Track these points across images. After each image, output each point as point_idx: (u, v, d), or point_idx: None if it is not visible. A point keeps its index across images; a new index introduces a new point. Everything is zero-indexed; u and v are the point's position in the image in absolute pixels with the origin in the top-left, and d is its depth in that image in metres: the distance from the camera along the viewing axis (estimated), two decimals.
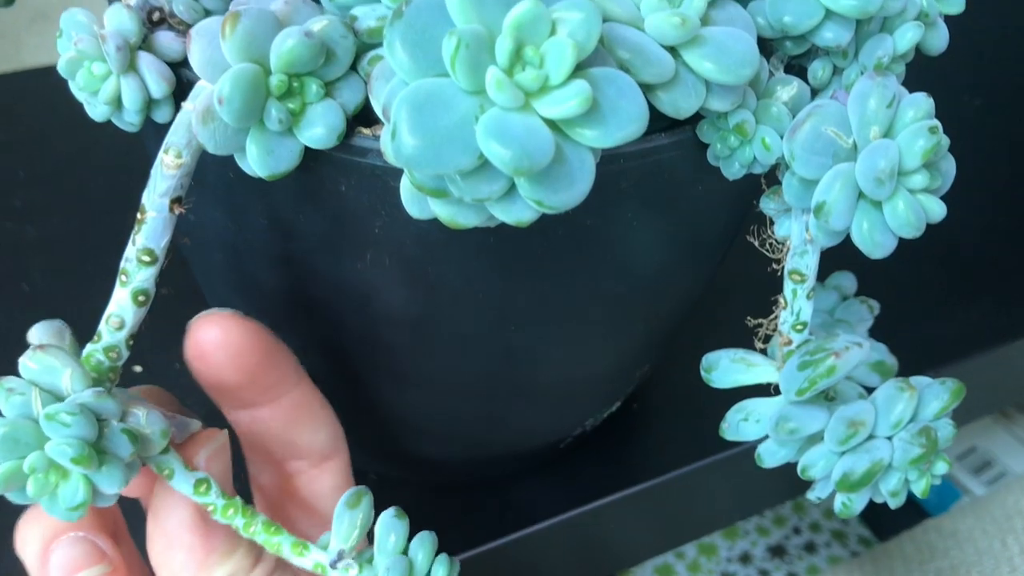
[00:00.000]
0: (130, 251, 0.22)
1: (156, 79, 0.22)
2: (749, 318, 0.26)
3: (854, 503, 0.25)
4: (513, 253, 0.24)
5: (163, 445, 0.21)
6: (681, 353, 0.31)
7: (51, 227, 0.42)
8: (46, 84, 0.50)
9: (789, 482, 0.42)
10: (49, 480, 0.20)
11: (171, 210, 0.21)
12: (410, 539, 0.23)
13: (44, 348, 0.20)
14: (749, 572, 0.70)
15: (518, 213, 0.19)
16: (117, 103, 0.22)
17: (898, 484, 0.25)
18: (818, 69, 0.24)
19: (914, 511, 0.61)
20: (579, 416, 0.33)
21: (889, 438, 0.25)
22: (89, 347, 0.22)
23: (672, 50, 0.20)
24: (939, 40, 0.25)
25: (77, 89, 0.22)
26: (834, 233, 0.23)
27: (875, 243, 0.22)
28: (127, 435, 0.20)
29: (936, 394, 0.25)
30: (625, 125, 0.18)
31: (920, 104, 0.22)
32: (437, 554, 0.23)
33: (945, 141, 0.22)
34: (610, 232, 0.24)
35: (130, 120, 0.22)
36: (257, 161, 0.21)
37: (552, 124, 0.18)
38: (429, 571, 0.23)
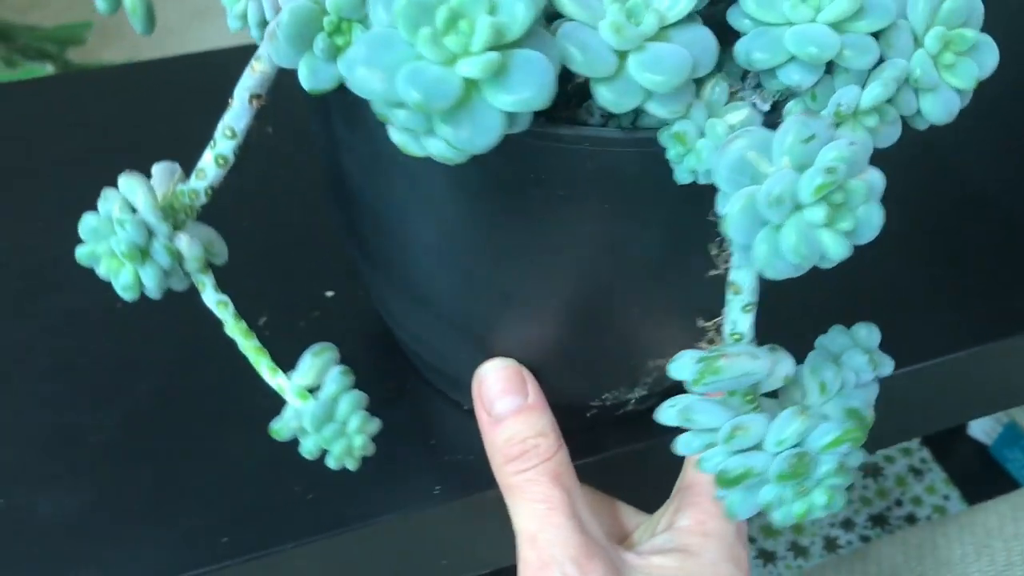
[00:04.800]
0: (220, 126, 0.29)
1: (271, 4, 0.29)
2: (700, 320, 0.29)
3: (735, 503, 0.27)
4: (491, 205, 0.29)
5: (196, 267, 0.29)
6: None
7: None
8: None
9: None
10: (112, 265, 0.28)
11: (250, 102, 0.29)
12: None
13: (130, 174, 0.28)
14: (850, 537, 0.70)
15: (435, 147, 0.24)
16: (244, 18, 0.30)
17: (774, 498, 0.27)
18: (792, 108, 0.26)
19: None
20: (594, 389, 0.37)
21: (776, 455, 0.27)
22: (180, 186, 0.30)
23: (621, 54, 0.24)
24: (938, 106, 0.26)
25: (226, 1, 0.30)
26: (742, 246, 0.25)
27: (769, 264, 0.24)
28: (167, 249, 0.28)
29: (829, 430, 0.26)
30: (523, 92, 0.23)
31: (841, 149, 0.24)
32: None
33: (859, 187, 0.24)
34: (581, 208, 0.28)
35: (255, 34, 0.30)
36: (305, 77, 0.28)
37: (470, 83, 0.23)
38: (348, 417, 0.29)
